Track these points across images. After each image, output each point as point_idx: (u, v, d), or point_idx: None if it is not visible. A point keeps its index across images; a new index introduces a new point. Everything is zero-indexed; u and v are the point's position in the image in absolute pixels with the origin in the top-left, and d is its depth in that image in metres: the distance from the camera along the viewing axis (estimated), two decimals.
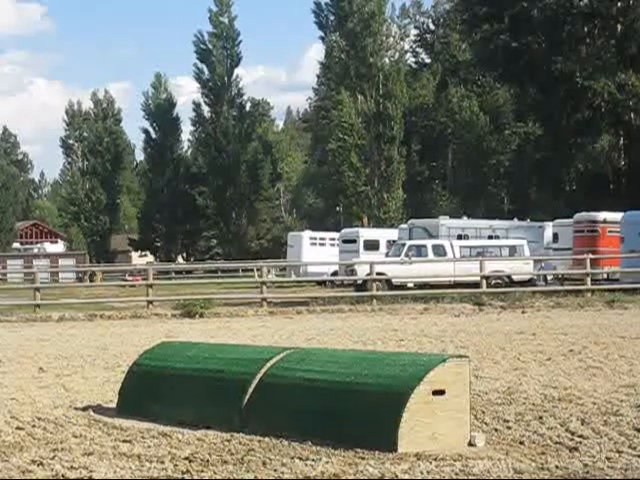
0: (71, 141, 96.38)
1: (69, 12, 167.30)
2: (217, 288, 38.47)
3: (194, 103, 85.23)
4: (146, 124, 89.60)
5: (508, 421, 7.93)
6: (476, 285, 28.38)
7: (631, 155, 58.16)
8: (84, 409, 8.99)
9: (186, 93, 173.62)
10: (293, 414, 7.41)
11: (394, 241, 41.13)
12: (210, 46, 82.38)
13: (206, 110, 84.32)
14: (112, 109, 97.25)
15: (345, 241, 44.68)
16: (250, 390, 7.77)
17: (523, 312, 23.53)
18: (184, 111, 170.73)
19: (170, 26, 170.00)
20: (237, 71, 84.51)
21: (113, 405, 8.97)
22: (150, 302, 26.95)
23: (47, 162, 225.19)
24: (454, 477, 6.04)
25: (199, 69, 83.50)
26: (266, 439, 7.18)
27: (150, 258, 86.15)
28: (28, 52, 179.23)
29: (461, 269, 31.60)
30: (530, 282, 33.41)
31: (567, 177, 60.04)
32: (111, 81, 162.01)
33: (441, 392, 6.94)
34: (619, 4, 57.82)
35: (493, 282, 31.64)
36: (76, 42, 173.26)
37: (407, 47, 76.72)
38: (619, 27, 58.14)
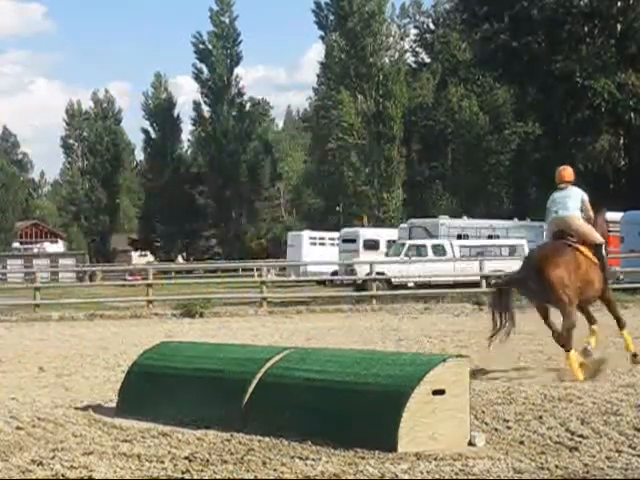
0: (71, 141, 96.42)
1: (69, 12, 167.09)
2: (217, 288, 38.47)
3: (194, 103, 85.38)
4: (146, 124, 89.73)
5: (508, 421, 7.92)
6: (476, 285, 28.38)
7: (631, 155, 58.20)
8: (84, 409, 8.98)
9: (186, 93, 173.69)
10: (293, 414, 7.41)
11: (394, 241, 41.16)
12: (210, 46, 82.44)
13: (206, 110, 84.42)
14: (112, 109, 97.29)
15: (345, 241, 44.70)
16: (250, 390, 7.77)
17: (523, 312, 23.46)
18: (184, 111, 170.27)
19: (171, 26, 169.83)
20: (237, 71, 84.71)
21: (113, 405, 8.97)
22: (150, 302, 26.95)
23: (47, 162, 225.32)
24: (454, 477, 6.04)
25: (198, 69, 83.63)
26: (266, 439, 7.18)
27: (150, 258, 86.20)
28: (29, 52, 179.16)
29: (461, 269, 31.62)
30: None
31: None
32: (111, 81, 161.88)
33: (441, 392, 6.94)
34: (619, 4, 57.85)
35: (493, 282, 31.62)
36: (77, 42, 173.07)
37: (407, 47, 76.80)
38: (619, 27, 58.17)
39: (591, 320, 12.16)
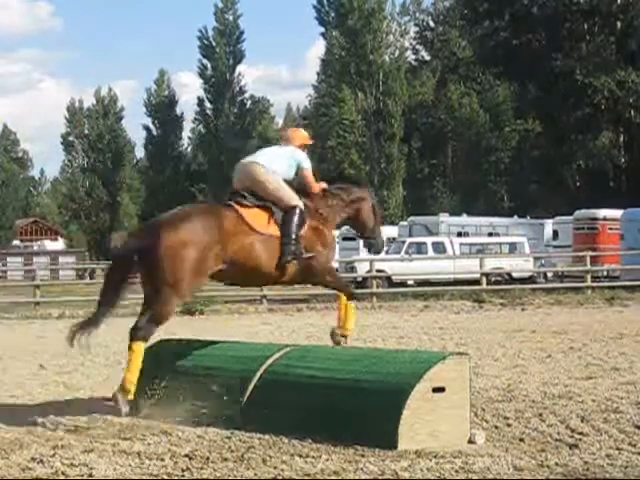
0: (72, 138, 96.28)
1: (77, 10, 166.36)
2: (217, 285, 38.44)
3: (198, 99, 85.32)
4: (147, 121, 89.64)
5: (508, 418, 7.93)
6: (476, 282, 28.39)
7: (631, 152, 58.21)
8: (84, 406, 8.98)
9: (190, 90, 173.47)
10: (293, 411, 7.41)
11: (394, 238, 41.15)
12: (213, 43, 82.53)
13: (208, 107, 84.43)
14: (114, 107, 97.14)
15: (345, 238, 44.67)
16: (250, 387, 7.77)
17: (523, 309, 23.54)
18: (187, 108, 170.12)
19: (178, 24, 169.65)
20: (240, 68, 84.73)
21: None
22: None
23: (50, 159, 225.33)
24: (454, 474, 6.04)
25: (203, 65, 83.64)
26: (266, 436, 7.17)
27: None
28: (36, 50, 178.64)
29: (461, 266, 31.61)
30: (530, 279, 33.41)
31: (567, 174, 60.05)
32: (119, 79, 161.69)
33: (441, 389, 6.94)
34: (619, 1, 57.83)
35: (493, 279, 31.64)
36: (85, 40, 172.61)
37: (407, 44, 76.74)
38: (619, 24, 58.18)
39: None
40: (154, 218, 8.37)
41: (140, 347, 7.78)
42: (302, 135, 8.99)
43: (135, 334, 7.80)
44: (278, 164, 8.44)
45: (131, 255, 7.87)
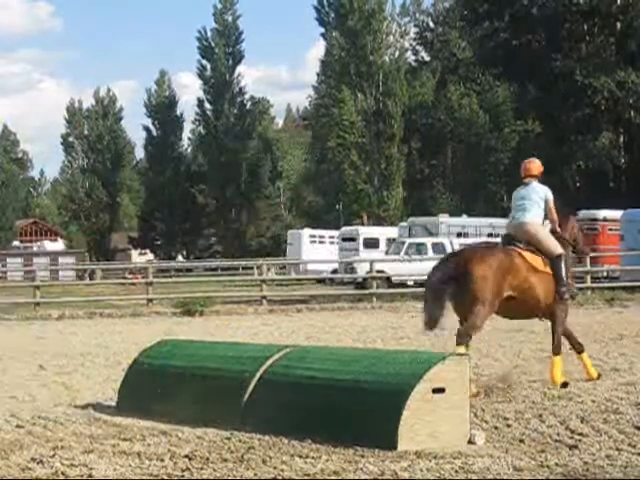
0: (71, 139, 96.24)
1: (77, 10, 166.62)
2: (217, 286, 38.46)
3: (198, 99, 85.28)
4: (147, 121, 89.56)
5: (508, 419, 7.93)
6: None
7: (631, 153, 58.20)
8: (84, 407, 8.99)
9: (190, 91, 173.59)
10: (293, 412, 7.41)
11: (394, 239, 41.15)
12: (212, 43, 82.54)
13: (208, 108, 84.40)
14: (113, 107, 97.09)
15: (345, 239, 44.71)
16: (250, 388, 7.77)
17: None
18: (187, 109, 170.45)
19: (178, 24, 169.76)
20: (239, 69, 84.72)
21: (113, 403, 8.98)
22: (150, 300, 26.95)
23: (49, 160, 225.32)
24: (454, 475, 6.04)
25: (202, 66, 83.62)
26: (266, 437, 7.18)
27: (150, 256, 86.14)
28: (36, 51, 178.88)
29: None
30: None
31: (567, 175, 60.04)
32: (119, 79, 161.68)
33: (441, 390, 6.94)
34: (619, 2, 57.81)
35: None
36: (85, 40, 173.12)
37: (407, 45, 76.68)
38: (619, 25, 58.16)
39: (575, 347, 10.51)
40: (458, 252, 10.59)
41: (462, 348, 9.60)
42: (538, 165, 11.11)
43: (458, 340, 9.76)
44: (537, 210, 10.44)
45: (446, 284, 9.66)
